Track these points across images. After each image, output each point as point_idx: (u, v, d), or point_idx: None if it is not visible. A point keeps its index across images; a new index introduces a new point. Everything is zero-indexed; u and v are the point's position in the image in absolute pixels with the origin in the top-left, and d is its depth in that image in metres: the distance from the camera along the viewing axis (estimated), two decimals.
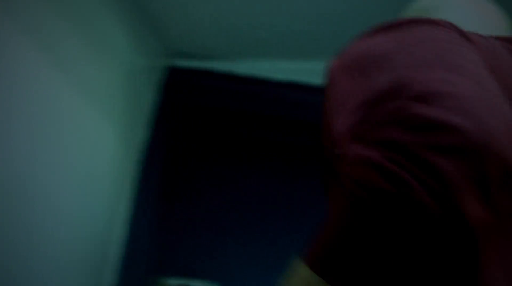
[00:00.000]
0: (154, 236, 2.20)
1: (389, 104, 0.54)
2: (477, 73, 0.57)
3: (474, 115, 0.50)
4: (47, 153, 1.65)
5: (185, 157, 2.54)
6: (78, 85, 1.80)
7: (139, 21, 2.21)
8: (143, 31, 2.25)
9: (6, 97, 1.48)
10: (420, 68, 0.56)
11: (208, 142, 2.60)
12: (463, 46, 0.62)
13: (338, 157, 0.61)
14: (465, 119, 0.50)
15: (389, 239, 0.52)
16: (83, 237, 1.86)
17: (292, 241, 2.17)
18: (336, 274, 0.55)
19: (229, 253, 2.56)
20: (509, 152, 0.50)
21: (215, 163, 2.58)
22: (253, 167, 2.62)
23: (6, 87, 1.48)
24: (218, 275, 2.57)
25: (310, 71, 2.29)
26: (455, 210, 0.49)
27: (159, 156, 2.29)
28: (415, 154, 0.50)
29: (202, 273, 2.58)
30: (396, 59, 0.60)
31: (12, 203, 1.50)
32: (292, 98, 2.31)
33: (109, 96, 2.02)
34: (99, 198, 1.96)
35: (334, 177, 0.68)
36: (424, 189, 0.49)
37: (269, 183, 2.61)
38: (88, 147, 1.88)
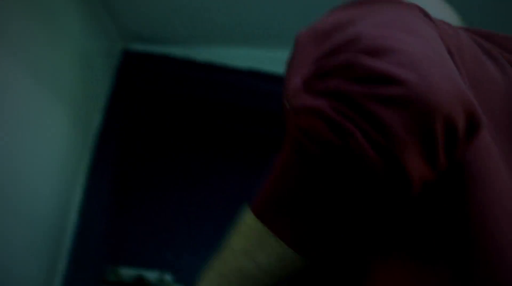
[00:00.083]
0: (108, 225, 2.15)
1: (339, 56, 0.55)
2: (431, 40, 0.58)
3: (421, 70, 0.51)
4: None
5: (140, 145, 2.49)
6: (28, 68, 1.73)
7: (94, 2, 2.13)
8: (98, 12, 2.18)
9: None
10: (376, 27, 0.58)
11: (164, 130, 2.54)
12: (426, 23, 0.64)
13: (288, 110, 0.62)
14: (411, 73, 0.51)
15: (330, 187, 0.53)
16: (35, 224, 1.80)
17: None
18: (277, 220, 0.58)
19: (183, 243, 2.52)
20: (453, 109, 0.51)
21: (172, 151, 2.54)
22: (210, 157, 2.58)
23: None
24: (171, 265, 2.54)
25: (272, 59, 2.25)
26: (397, 164, 0.51)
27: (113, 143, 2.23)
28: (360, 105, 0.51)
29: (155, 263, 2.54)
30: (358, 22, 0.62)
31: None
32: (253, 87, 2.28)
33: (62, 79, 1.95)
34: (51, 185, 1.90)
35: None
36: (368, 140, 0.50)
37: (227, 173, 2.58)
38: (39, 132, 1.82)
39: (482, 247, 0.56)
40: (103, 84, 2.27)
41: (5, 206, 1.64)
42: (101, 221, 2.09)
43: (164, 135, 2.56)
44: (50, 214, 1.91)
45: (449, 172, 0.57)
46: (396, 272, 0.58)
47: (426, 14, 0.68)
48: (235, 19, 2.21)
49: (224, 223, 2.50)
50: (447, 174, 0.57)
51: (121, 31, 2.33)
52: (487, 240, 0.56)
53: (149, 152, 2.53)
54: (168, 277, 2.54)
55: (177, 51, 2.34)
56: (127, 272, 2.49)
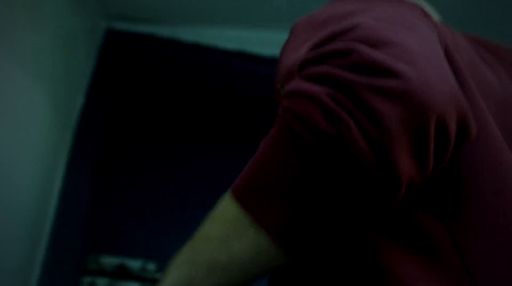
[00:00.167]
0: (89, 212, 2.08)
1: (337, 43, 0.54)
2: (430, 39, 0.58)
3: (420, 67, 0.51)
4: None
5: (123, 128, 2.42)
6: (6, 49, 1.67)
7: None
8: None
9: None
10: (377, 19, 0.57)
11: (148, 113, 2.48)
12: (425, 22, 0.64)
13: (280, 93, 0.60)
14: (410, 68, 0.51)
15: (319, 176, 0.52)
16: (13, 212, 1.75)
17: None
18: (259, 208, 0.54)
19: (167, 232, 2.47)
20: (447, 110, 0.51)
21: (156, 135, 2.47)
22: (196, 141, 2.52)
23: None
24: (155, 254, 2.49)
25: (259, 41, 2.24)
26: (387, 160, 0.50)
27: (95, 126, 2.17)
28: (356, 94, 0.50)
29: (138, 251, 2.49)
30: (359, 14, 0.62)
31: None
32: (240, 69, 2.23)
33: (43, 60, 1.90)
34: (30, 170, 1.85)
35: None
36: (360, 130, 0.50)
37: (213, 158, 2.53)
38: (17, 115, 1.76)
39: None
40: (85, 65, 2.21)
41: None
42: (82, 208, 2.02)
43: (148, 118, 2.49)
44: (30, 201, 1.87)
45: (441, 174, 0.58)
46: (388, 266, 0.56)
47: (426, 14, 0.68)
48: None
49: (210, 210, 2.47)
50: (438, 176, 0.57)
51: (105, 9, 2.28)
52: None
53: (132, 136, 2.46)
54: (151, 266, 2.49)
55: (163, 31, 2.29)
56: (109, 261, 2.43)
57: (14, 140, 1.75)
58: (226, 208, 0.57)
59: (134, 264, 2.48)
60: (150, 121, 2.49)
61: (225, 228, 0.56)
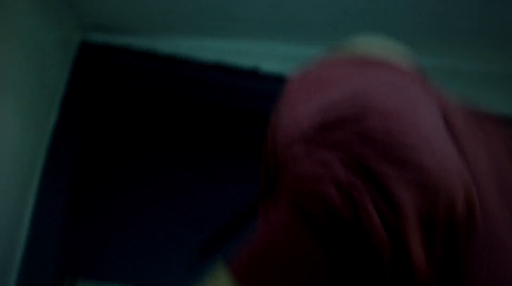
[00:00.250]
0: (64, 233, 2.04)
1: (353, 126, 0.55)
2: (434, 118, 0.60)
3: (438, 158, 0.53)
4: None
5: (99, 143, 2.37)
6: None
7: None
8: (55, 0, 2.10)
9: None
10: (384, 105, 0.58)
11: (124, 127, 2.43)
12: (425, 94, 0.65)
13: (283, 163, 0.60)
14: (430, 159, 0.52)
15: (332, 259, 0.51)
16: None
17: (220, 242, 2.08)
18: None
19: (149, 254, 2.41)
20: (459, 204, 0.53)
21: (134, 150, 2.42)
22: (176, 155, 2.48)
23: None
24: (135, 278, 2.43)
25: (238, 52, 2.24)
26: (403, 247, 0.50)
27: (70, 142, 2.14)
28: (379, 181, 0.51)
29: (117, 275, 2.42)
30: (354, 79, 0.63)
31: None
32: (218, 81, 2.22)
33: (14, 74, 1.87)
34: (2, 190, 1.81)
35: (272, 191, 0.66)
36: (380, 217, 0.50)
37: (193, 174, 2.48)
38: None
39: None
40: (59, 78, 2.19)
41: None
42: (57, 229, 1.98)
43: (125, 133, 2.44)
44: (3, 224, 1.83)
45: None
46: None
47: (423, 80, 0.70)
48: (200, 9, 2.16)
49: (194, 231, 2.43)
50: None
51: (79, 20, 2.27)
52: None
53: (109, 151, 2.41)
54: None
55: (139, 42, 2.28)
56: None
57: None
58: (222, 282, 0.54)
59: None
60: (127, 135, 2.44)
61: None
